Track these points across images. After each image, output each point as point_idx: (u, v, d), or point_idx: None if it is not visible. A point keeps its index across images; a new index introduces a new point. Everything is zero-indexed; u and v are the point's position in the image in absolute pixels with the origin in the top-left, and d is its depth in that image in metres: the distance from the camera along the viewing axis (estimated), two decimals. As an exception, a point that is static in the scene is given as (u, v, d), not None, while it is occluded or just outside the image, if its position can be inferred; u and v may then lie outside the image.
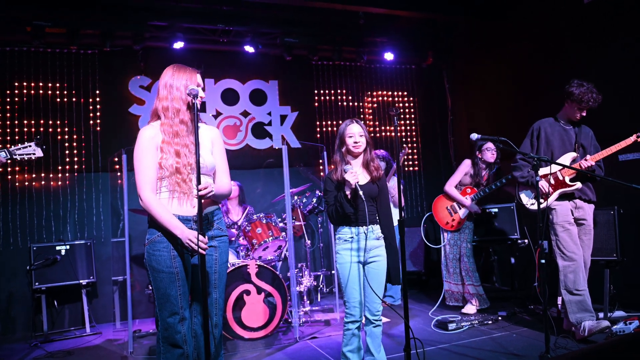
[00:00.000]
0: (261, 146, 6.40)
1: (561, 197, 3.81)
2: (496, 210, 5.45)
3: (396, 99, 7.17)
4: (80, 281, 5.12)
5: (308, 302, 5.09)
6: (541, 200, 3.67)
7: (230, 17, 5.70)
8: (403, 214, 2.89)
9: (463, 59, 6.90)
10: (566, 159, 3.81)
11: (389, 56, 6.66)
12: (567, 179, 3.79)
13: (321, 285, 5.98)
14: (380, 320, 2.95)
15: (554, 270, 4.00)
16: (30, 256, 4.99)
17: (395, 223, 3.15)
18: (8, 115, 5.43)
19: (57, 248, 5.11)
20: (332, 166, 3.04)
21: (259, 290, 4.38)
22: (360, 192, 2.77)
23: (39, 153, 2.80)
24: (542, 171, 3.83)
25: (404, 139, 7.17)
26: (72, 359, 4.26)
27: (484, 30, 6.34)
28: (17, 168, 5.44)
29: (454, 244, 4.91)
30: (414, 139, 7.27)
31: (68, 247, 5.16)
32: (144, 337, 4.72)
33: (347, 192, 2.87)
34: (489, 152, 4.78)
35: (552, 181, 3.82)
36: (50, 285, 4.98)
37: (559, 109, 3.94)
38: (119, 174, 5.77)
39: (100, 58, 5.80)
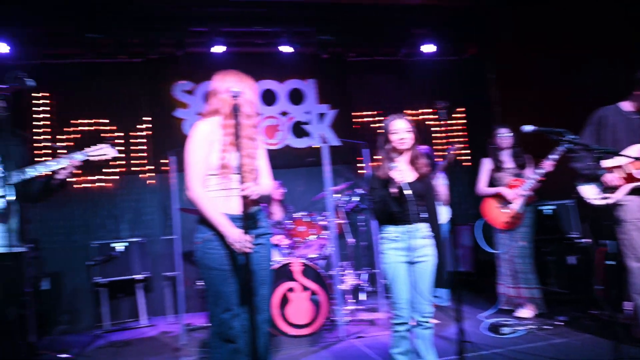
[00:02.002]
0: (301, 145, 6.47)
1: (631, 193, 3.48)
2: (554, 208, 5.12)
3: (438, 92, 7.02)
4: (135, 276, 5.46)
5: (352, 301, 5.05)
6: (608, 196, 3.43)
7: (266, 18, 5.77)
8: (452, 213, 2.82)
9: (507, 49, 6.61)
10: (634, 150, 3.45)
11: (428, 49, 6.48)
12: (637, 173, 3.45)
13: (365, 284, 5.97)
14: (430, 322, 2.88)
15: (620, 272, 3.71)
16: (91, 253, 5.36)
17: (444, 222, 3.06)
18: (68, 121, 5.88)
19: (114, 245, 5.45)
20: (377, 163, 2.99)
21: (304, 288, 4.43)
22: (407, 191, 2.71)
23: (112, 153, 2.90)
24: (608, 163, 3.52)
25: (448, 134, 7.04)
26: (130, 348, 4.55)
27: (529, 18, 6.03)
28: (79, 171, 5.83)
29: (507, 244, 4.63)
30: (459, 135, 7.09)
31: (124, 244, 5.50)
32: (194, 331, 4.92)
33: (393, 191, 2.78)
34: (501, 138, 4.70)
35: (620, 174, 3.50)
36: (109, 280, 5.33)
37: (615, 99, 3.65)
38: (167, 175, 6.05)
39: (146, 65, 6.07)
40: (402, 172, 2.76)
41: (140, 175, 6.06)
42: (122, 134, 6.02)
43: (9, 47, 5.18)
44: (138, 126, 6.09)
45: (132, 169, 6.04)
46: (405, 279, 2.83)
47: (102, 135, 5.92)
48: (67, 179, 2.88)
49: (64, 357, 4.25)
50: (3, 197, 2.57)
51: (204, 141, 2.48)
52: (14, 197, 2.62)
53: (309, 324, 4.39)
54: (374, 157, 6.39)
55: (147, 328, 5.34)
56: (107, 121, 6.00)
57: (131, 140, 6.05)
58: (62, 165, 2.71)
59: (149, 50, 5.73)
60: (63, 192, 5.55)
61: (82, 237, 5.80)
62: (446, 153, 4.90)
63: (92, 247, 5.39)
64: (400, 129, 2.89)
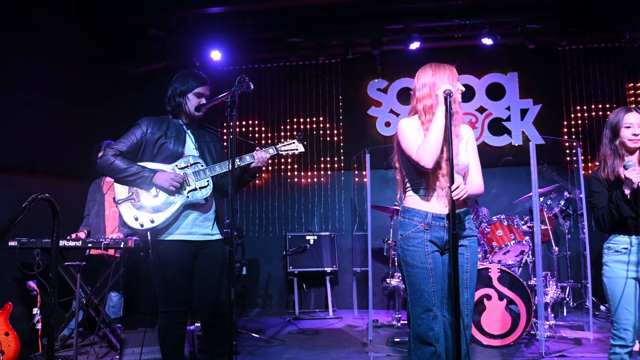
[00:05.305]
0: (498, 143, 6.08)
1: None
2: None
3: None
4: (325, 268, 5.71)
5: (552, 315, 4.66)
6: None
7: (466, 10, 5.53)
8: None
9: None
10: None
11: (660, 31, 5.48)
12: None
13: (567, 299, 5.35)
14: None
15: None
16: (285, 243, 5.78)
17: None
18: (266, 121, 6.44)
19: (307, 237, 5.80)
20: (597, 163, 2.71)
21: (501, 296, 4.16)
22: None
23: (301, 148, 3.04)
24: None
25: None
26: (319, 337, 4.72)
27: None
28: (275, 167, 6.38)
29: None
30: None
31: (315, 237, 5.82)
32: (380, 328, 4.95)
33: (626, 192, 2.49)
34: None
35: None
36: (300, 270, 5.69)
37: None
38: (356, 172, 6.24)
39: (342, 66, 6.36)
40: (638, 172, 2.46)
41: (333, 172, 6.33)
42: (317, 132, 6.36)
43: (220, 54, 5.86)
44: (333, 124, 6.37)
45: (327, 165, 6.34)
46: (633, 297, 2.58)
47: (300, 133, 6.35)
48: (259, 172, 3.03)
49: (258, 337, 4.59)
50: (205, 187, 2.85)
51: (415, 130, 2.48)
52: (212, 189, 2.89)
53: (504, 335, 4.14)
54: (591, 157, 5.70)
55: (333, 320, 5.50)
56: (305, 120, 6.42)
57: (327, 138, 6.36)
58: (255, 159, 2.88)
59: (346, 51, 5.94)
60: (257, 183, 6.22)
61: (278, 228, 6.29)
62: None
63: (288, 238, 5.80)
64: (634, 123, 2.60)
